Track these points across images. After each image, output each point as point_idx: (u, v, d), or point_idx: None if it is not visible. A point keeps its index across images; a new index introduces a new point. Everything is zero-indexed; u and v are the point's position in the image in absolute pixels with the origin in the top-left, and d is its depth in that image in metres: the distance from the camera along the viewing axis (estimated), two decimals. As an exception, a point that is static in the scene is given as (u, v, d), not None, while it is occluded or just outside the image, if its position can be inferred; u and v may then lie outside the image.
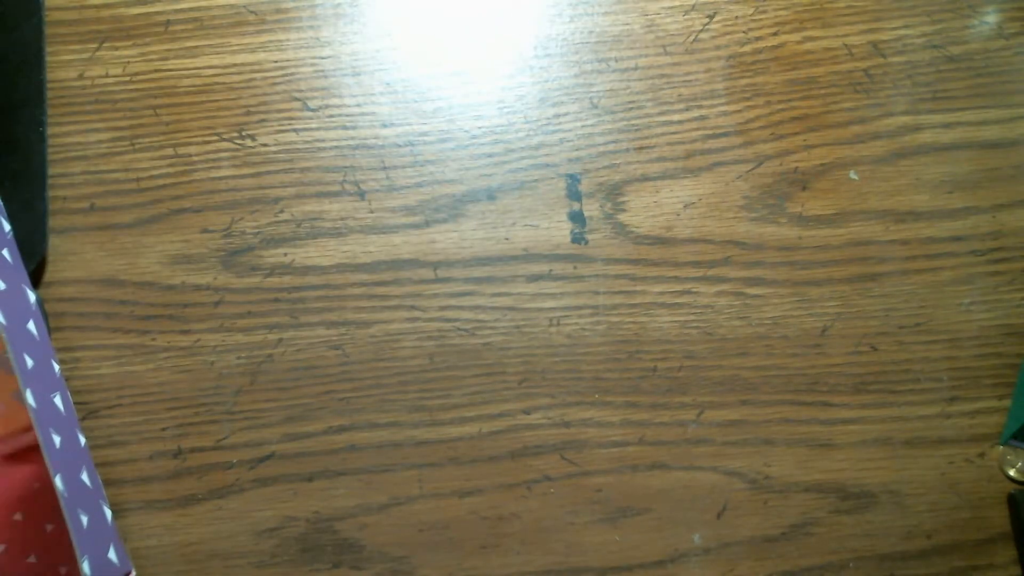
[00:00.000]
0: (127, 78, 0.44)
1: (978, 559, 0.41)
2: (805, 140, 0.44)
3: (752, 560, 0.41)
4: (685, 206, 0.43)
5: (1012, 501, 0.41)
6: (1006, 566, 0.41)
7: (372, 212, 0.43)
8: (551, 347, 0.42)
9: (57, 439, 0.37)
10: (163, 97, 0.44)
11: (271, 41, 0.44)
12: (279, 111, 0.44)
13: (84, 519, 0.36)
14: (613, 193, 0.43)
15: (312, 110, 0.44)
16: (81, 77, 0.44)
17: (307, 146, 0.43)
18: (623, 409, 0.42)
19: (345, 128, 0.44)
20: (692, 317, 0.42)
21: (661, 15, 0.45)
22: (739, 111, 0.44)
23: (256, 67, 0.44)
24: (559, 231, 0.43)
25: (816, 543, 0.41)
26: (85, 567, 0.35)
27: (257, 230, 0.43)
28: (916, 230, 0.43)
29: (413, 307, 0.42)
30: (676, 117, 0.44)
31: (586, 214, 0.43)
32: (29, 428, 0.38)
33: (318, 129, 0.44)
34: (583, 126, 0.44)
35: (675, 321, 0.42)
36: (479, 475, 0.41)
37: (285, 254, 0.42)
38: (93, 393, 0.41)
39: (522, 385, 0.42)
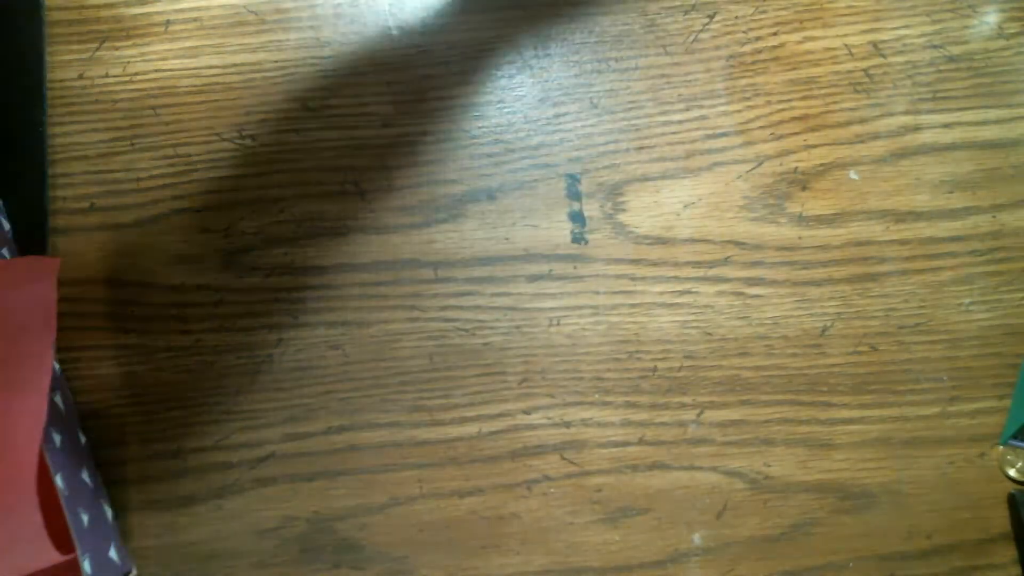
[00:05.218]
0: (127, 78, 0.44)
1: (978, 559, 0.41)
2: (805, 140, 0.44)
3: (752, 560, 0.41)
4: (685, 206, 0.43)
5: (1012, 501, 0.41)
6: (1006, 566, 0.41)
7: (372, 212, 0.43)
8: (551, 347, 0.42)
9: (57, 438, 0.37)
10: (163, 97, 0.44)
11: (271, 41, 0.44)
12: (279, 111, 0.44)
13: (85, 518, 0.36)
14: (613, 193, 0.43)
15: (312, 110, 0.44)
16: (81, 77, 0.44)
17: (307, 146, 0.43)
18: (623, 409, 0.42)
19: (345, 128, 0.44)
20: (692, 317, 0.42)
21: (661, 15, 0.45)
22: (739, 111, 0.44)
23: (256, 67, 0.44)
24: (559, 231, 0.43)
25: (816, 543, 0.41)
26: (86, 566, 0.35)
27: (257, 230, 0.43)
28: (916, 230, 0.43)
29: (413, 307, 0.42)
30: (676, 117, 0.44)
31: (586, 214, 0.43)
32: None
33: (318, 129, 0.44)
34: (583, 126, 0.44)
35: (675, 321, 0.42)
36: (479, 475, 0.41)
37: (285, 254, 0.42)
38: (93, 393, 0.41)
39: (522, 385, 0.42)
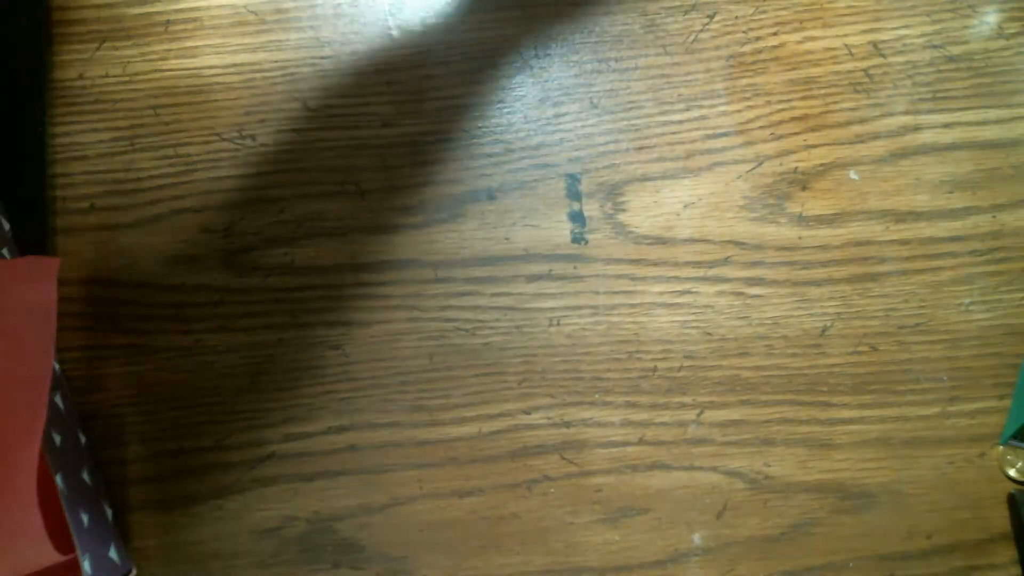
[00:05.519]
0: (127, 78, 0.44)
1: (978, 559, 0.41)
2: (805, 140, 0.44)
3: (752, 560, 0.41)
4: (685, 206, 0.43)
5: (1012, 501, 0.41)
6: (1006, 566, 0.41)
7: (372, 212, 0.43)
8: (551, 347, 0.42)
9: (57, 438, 0.37)
10: (163, 97, 0.44)
11: (271, 41, 0.44)
12: (279, 111, 0.44)
13: (85, 518, 0.36)
14: (613, 193, 0.43)
15: (312, 110, 0.44)
16: (81, 77, 0.44)
17: (307, 146, 0.43)
18: (623, 409, 0.42)
19: (345, 128, 0.44)
20: (692, 317, 0.42)
21: (661, 15, 0.45)
22: (739, 111, 0.44)
23: (256, 67, 0.44)
24: (559, 231, 0.43)
25: (816, 543, 0.41)
26: (86, 565, 0.35)
27: (257, 230, 0.43)
28: (916, 230, 0.43)
29: (413, 307, 0.42)
30: (676, 117, 0.44)
31: (586, 214, 0.43)
32: None
33: (318, 129, 0.44)
34: (583, 126, 0.44)
35: (675, 321, 0.42)
36: (479, 475, 0.41)
37: (285, 254, 0.42)
38: (93, 393, 0.41)
39: (522, 385, 0.42)
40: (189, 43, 0.44)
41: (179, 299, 0.42)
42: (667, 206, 0.43)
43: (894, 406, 0.42)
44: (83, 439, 0.40)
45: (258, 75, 0.44)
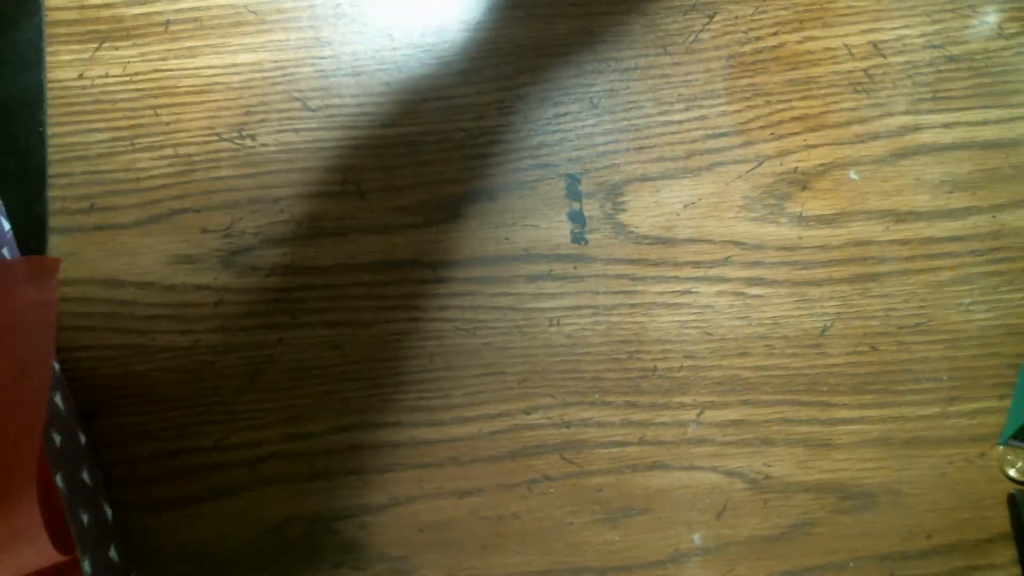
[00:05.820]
0: (127, 78, 0.44)
1: (978, 559, 0.41)
2: (805, 140, 0.44)
3: (752, 560, 0.41)
4: (685, 206, 0.43)
5: (1012, 501, 0.41)
6: (1006, 566, 0.41)
7: (372, 212, 0.43)
8: (551, 347, 0.42)
9: (57, 439, 0.37)
10: (163, 97, 0.44)
11: (271, 41, 0.44)
12: (279, 111, 0.44)
13: (85, 518, 0.36)
14: (613, 193, 0.43)
15: (312, 110, 0.44)
16: (81, 77, 0.44)
17: (307, 146, 0.43)
18: (623, 409, 0.42)
19: (345, 128, 0.44)
20: (692, 317, 0.42)
21: (661, 15, 0.45)
22: (739, 111, 0.44)
23: (256, 67, 0.44)
24: (559, 231, 0.43)
25: (816, 543, 0.41)
26: (86, 566, 0.35)
27: (257, 230, 0.43)
28: (916, 230, 0.43)
29: (413, 307, 0.42)
30: (676, 117, 0.44)
31: (586, 214, 0.43)
32: None
33: (318, 129, 0.44)
34: (583, 126, 0.44)
35: (675, 321, 0.42)
36: (479, 475, 0.41)
37: (285, 254, 0.42)
38: (93, 393, 0.41)
39: (522, 385, 0.42)
40: (189, 43, 0.44)
41: (179, 299, 0.42)
42: (667, 206, 0.43)
43: (894, 406, 0.42)
44: (83, 439, 0.40)
45: (258, 75, 0.44)
